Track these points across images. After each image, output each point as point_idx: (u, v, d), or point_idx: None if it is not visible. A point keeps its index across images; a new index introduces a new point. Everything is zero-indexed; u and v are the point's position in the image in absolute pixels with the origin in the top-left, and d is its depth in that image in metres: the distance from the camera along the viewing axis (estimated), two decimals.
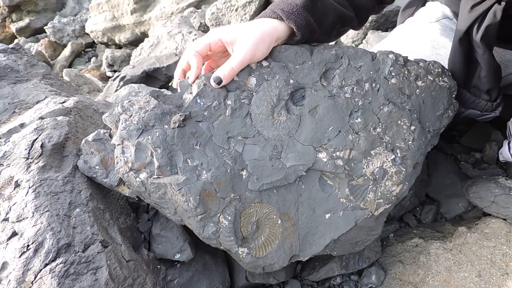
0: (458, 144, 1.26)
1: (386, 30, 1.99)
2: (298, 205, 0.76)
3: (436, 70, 0.85)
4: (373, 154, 0.77)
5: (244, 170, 0.73)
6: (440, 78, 0.85)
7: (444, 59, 0.92)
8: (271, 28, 0.73)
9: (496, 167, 1.14)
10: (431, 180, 1.12)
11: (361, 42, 1.94)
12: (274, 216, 0.75)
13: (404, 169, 0.79)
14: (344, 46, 0.81)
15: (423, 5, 1.13)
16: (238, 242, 0.74)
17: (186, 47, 0.77)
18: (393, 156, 0.78)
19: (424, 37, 1.02)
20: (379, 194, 0.78)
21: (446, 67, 0.89)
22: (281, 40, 0.77)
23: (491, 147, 1.16)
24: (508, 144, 0.80)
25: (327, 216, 0.77)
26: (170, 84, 2.17)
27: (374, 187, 0.78)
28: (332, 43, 2.15)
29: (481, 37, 0.79)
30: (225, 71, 0.71)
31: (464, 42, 0.83)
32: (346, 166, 0.76)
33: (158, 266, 0.81)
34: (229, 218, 0.72)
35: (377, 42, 1.73)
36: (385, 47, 1.13)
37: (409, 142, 0.79)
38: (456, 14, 0.96)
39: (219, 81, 0.71)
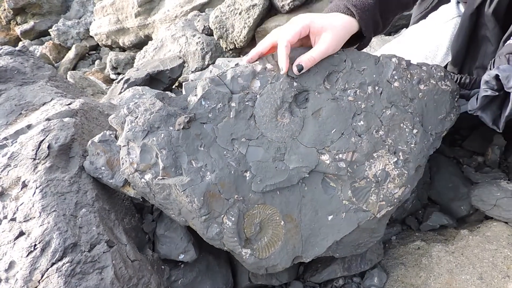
0: (461, 147, 1.26)
1: (389, 34, 2.00)
2: (301, 206, 0.77)
3: (439, 73, 0.86)
4: (376, 156, 0.78)
5: (248, 172, 0.74)
6: (443, 82, 0.86)
7: None
8: (349, 25, 0.76)
9: (498, 170, 1.14)
10: (433, 183, 1.13)
11: None
12: (277, 218, 0.76)
13: (406, 172, 0.79)
14: (348, 49, 0.81)
15: (435, 7, 1.14)
16: (242, 243, 0.74)
17: (275, 34, 0.78)
18: (396, 159, 0.79)
19: (438, 37, 1.03)
20: (382, 196, 0.79)
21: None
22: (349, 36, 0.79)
23: (494, 151, 1.16)
24: (477, 94, 0.81)
25: (330, 218, 0.78)
26: (174, 86, 2.19)
27: (376, 190, 0.78)
28: None
29: (493, 11, 0.80)
30: (306, 60, 0.73)
31: (473, 17, 0.83)
32: (348, 168, 0.76)
33: (162, 267, 0.81)
34: (233, 219, 0.73)
35: (380, 46, 1.73)
36: (399, 47, 1.13)
37: (412, 145, 0.80)
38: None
39: (300, 68, 0.73)
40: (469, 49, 0.88)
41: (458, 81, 0.91)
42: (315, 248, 0.79)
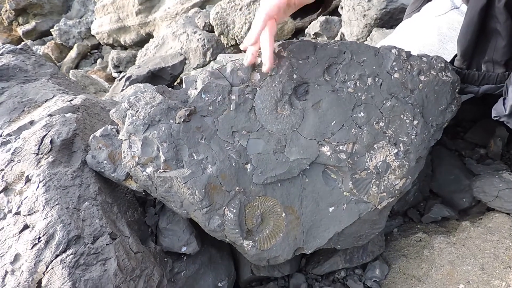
0: (463, 140, 1.26)
1: (391, 28, 1.99)
2: (302, 198, 0.77)
3: (439, 64, 0.85)
4: (376, 148, 0.78)
5: (249, 164, 0.74)
6: (443, 73, 0.85)
7: (450, 53, 0.92)
8: None
9: (500, 162, 1.14)
10: (435, 176, 1.13)
11: (366, 40, 1.95)
12: (279, 209, 0.77)
13: (407, 163, 0.79)
14: (347, 41, 0.81)
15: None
16: (243, 234, 0.75)
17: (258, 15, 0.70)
18: (396, 150, 0.79)
19: (432, 31, 1.02)
20: (382, 187, 0.79)
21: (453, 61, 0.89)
22: None
23: (496, 143, 1.16)
24: (503, 100, 0.79)
25: (331, 209, 0.78)
26: (175, 83, 2.20)
27: (377, 181, 0.79)
28: (338, 38, 2.15)
29: (505, 3, 0.78)
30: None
31: (483, 11, 0.81)
32: (349, 160, 0.77)
33: (165, 259, 0.82)
34: (234, 211, 0.73)
35: (381, 40, 1.73)
36: (392, 42, 1.13)
37: (412, 136, 0.80)
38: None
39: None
40: (477, 43, 0.86)
41: (466, 77, 0.90)
42: (316, 240, 0.80)
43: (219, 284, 0.86)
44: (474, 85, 0.89)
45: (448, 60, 0.91)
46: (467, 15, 0.85)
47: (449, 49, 0.97)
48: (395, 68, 0.81)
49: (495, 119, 0.81)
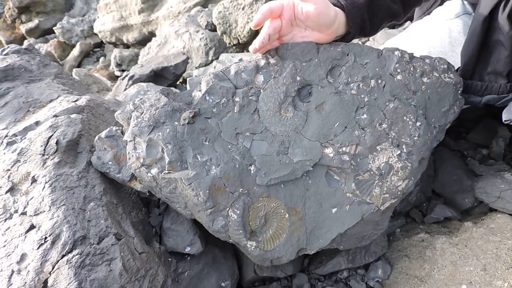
0: (465, 140, 1.26)
1: (393, 28, 1.99)
2: (305, 199, 0.78)
3: (442, 66, 0.86)
4: (379, 149, 0.79)
5: (252, 165, 0.75)
6: (446, 75, 0.86)
7: (460, 56, 0.92)
8: (336, 14, 0.76)
9: (502, 163, 1.14)
10: (437, 176, 1.13)
11: (368, 39, 1.95)
12: (282, 210, 0.77)
13: (409, 164, 0.80)
14: (350, 43, 0.82)
15: (441, 3, 1.13)
16: (247, 235, 0.76)
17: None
18: (399, 152, 0.79)
19: (443, 34, 1.02)
20: (385, 189, 0.79)
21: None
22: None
23: (498, 143, 1.16)
24: None
25: (334, 210, 0.79)
26: (178, 82, 2.20)
27: (380, 182, 0.79)
28: None
29: (508, 14, 0.79)
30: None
31: (486, 22, 0.82)
32: (352, 161, 0.77)
33: (169, 259, 0.83)
34: (238, 212, 0.74)
35: (384, 40, 1.73)
36: (402, 42, 1.14)
37: (415, 138, 0.80)
38: (474, 6, 0.96)
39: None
40: (480, 54, 0.87)
41: (469, 87, 0.90)
42: (319, 240, 0.80)
43: (223, 284, 0.87)
44: (476, 95, 0.89)
45: (457, 63, 0.91)
46: (471, 27, 0.85)
47: (459, 52, 0.97)
48: (398, 70, 0.81)
49: (505, 123, 0.81)
